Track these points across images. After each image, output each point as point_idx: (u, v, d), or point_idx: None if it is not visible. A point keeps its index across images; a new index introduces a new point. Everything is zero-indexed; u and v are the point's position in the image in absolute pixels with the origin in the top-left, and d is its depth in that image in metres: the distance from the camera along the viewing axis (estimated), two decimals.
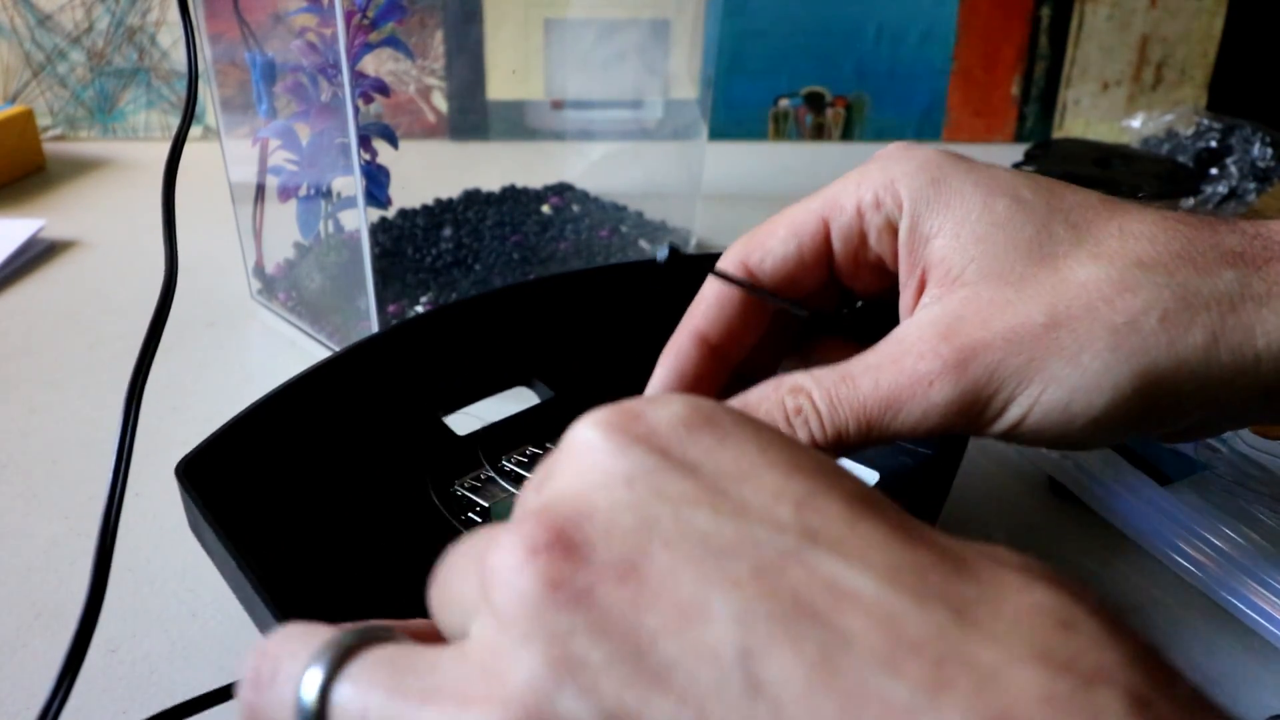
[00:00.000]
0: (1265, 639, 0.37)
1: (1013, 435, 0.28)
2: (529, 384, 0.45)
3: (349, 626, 0.20)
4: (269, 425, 0.37)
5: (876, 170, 0.31)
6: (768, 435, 0.19)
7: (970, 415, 0.27)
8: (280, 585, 0.30)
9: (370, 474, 0.39)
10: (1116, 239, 0.28)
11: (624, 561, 0.17)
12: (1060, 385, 0.26)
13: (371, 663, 0.18)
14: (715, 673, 0.15)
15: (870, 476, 0.39)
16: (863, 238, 0.31)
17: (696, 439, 0.18)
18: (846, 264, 0.32)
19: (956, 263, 0.29)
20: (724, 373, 0.33)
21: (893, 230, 0.30)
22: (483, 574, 0.18)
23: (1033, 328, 0.27)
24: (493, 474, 0.40)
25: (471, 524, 0.39)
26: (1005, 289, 0.28)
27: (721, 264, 0.32)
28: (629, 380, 0.46)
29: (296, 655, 0.19)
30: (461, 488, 0.39)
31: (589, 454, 0.18)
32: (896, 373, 0.28)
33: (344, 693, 0.18)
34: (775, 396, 0.29)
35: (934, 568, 0.17)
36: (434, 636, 0.20)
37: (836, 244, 0.31)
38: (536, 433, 0.43)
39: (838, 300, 0.34)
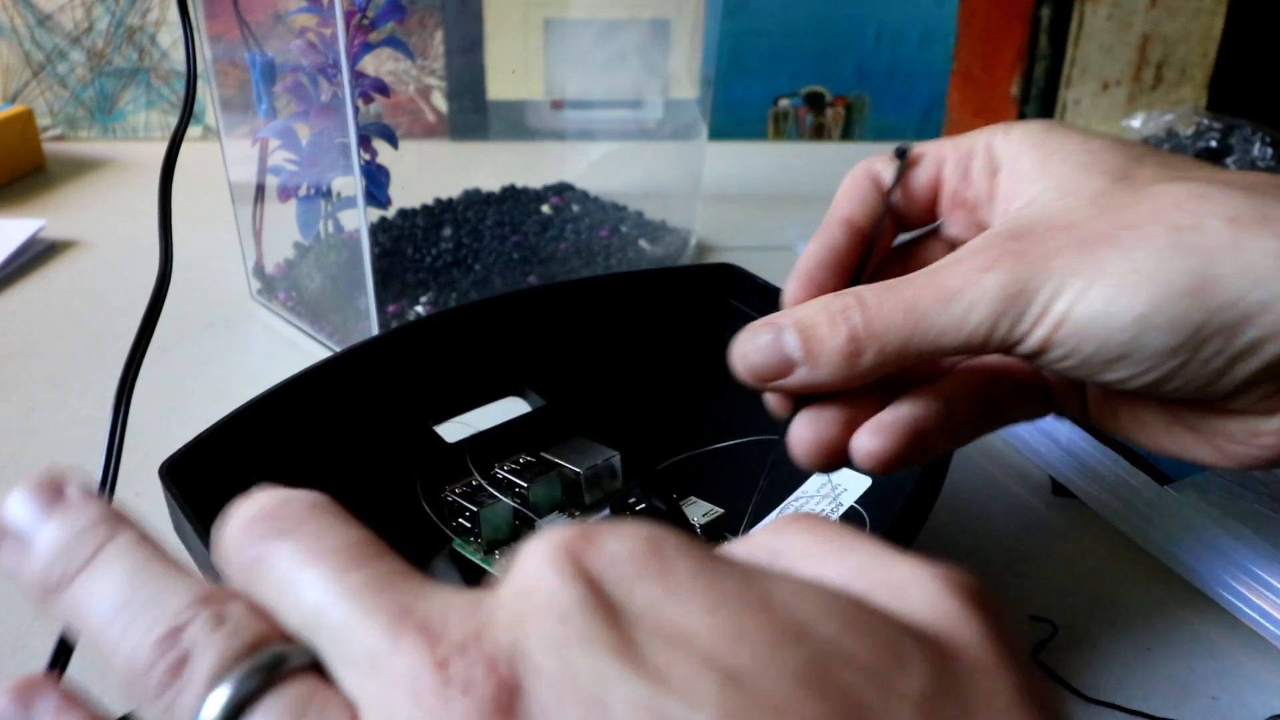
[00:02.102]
0: (1265, 639, 0.37)
1: (1053, 341, 0.26)
2: (521, 394, 0.45)
3: (256, 629, 0.17)
4: (257, 428, 0.36)
5: (1002, 124, 0.32)
6: (724, 590, 0.16)
7: (1017, 310, 0.26)
8: None
9: (359, 479, 0.39)
10: (1208, 171, 0.28)
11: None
12: (1108, 278, 0.25)
13: (279, 711, 0.16)
14: None
15: (862, 483, 0.39)
16: (965, 174, 0.32)
17: (645, 586, 0.16)
18: (948, 201, 0.33)
19: (1039, 186, 0.29)
20: (861, 248, 0.33)
21: (994, 171, 0.31)
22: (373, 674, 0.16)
23: (1097, 227, 0.26)
24: (481, 481, 0.40)
25: (461, 529, 0.39)
26: (1080, 201, 0.28)
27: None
28: (620, 390, 0.46)
29: (208, 655, 0.17)
30: (452, 494, 0.39)
31: (527, 584, 0.17)
32: (954, 267, 0.27)
33: None
34: (822, 300, 0.29)
35: None
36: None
37: (947, 180, 0.32)
38: (526, 440, 0.42)
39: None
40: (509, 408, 0.44)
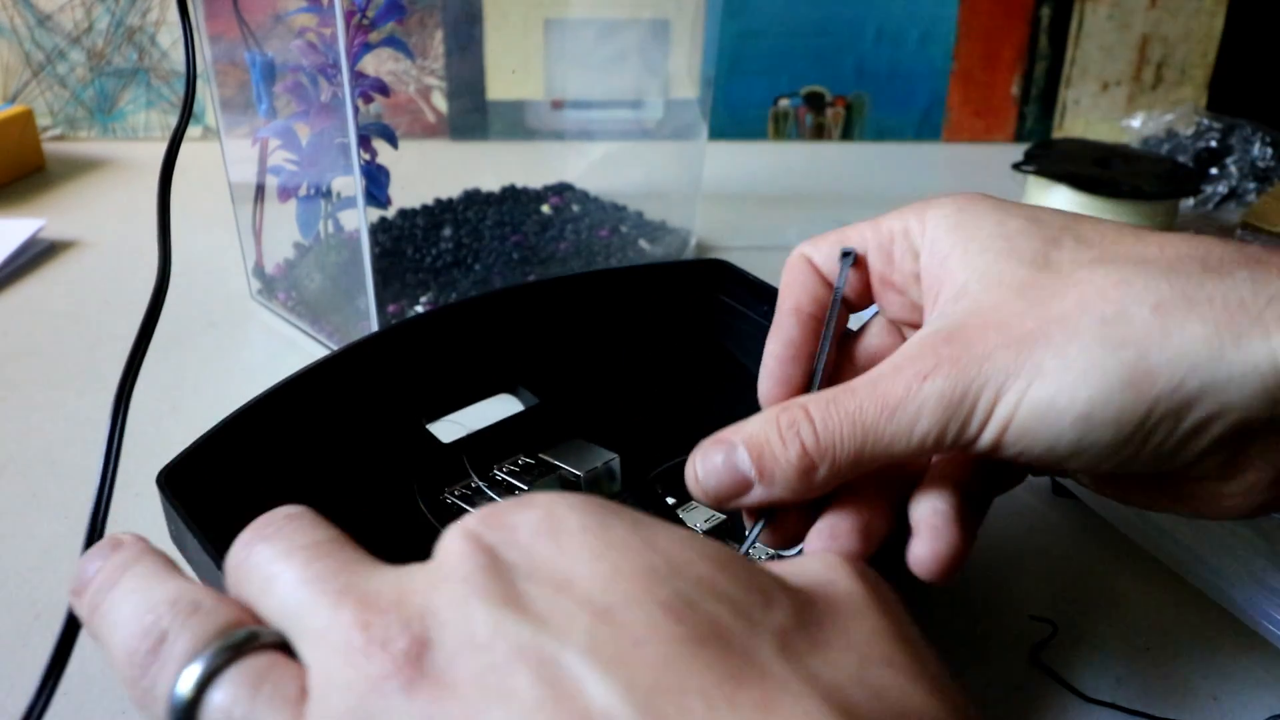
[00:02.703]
0: (1265, 639, 0.37)
1: (1004, 443, 0.27)
2: (513, 390, 0.45)
3: (229, 615, 0.20)
4: (251, 433, 0.36)
5: (916, 205, 0.32)
6: (609, 539, 0.19)
7: (961, 415, 0.27)
8: None
9: (356, 481, 0.38)
10: (1126, 247, 0.28)
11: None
12: (1046, 379, 0.26)
13: (241, 679, 0.19)
14: None
15: None
16: (889, 259, 0.32)
17: (540, 547, 0.19)
18: (877, 285, 0.33)
19: (964, 276, 0.29)
20: (817, 333, 0.33)
21: (915, 255, 0.31)
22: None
23: (1026, 325, 0.27)
24: (481, 484, 0.40)
25: None
26: (1007, 294, 0.28)
27: (815, 250, 0.34)
28: (614, 387, 0.46)
29: (184, 635, 0.19)
30: (452, 496, 0.39)
31: (441, 557, 0.19)
32: (894, 377, 0.27)
33: (217, 700, 0.19)
34: (770, 415, 0.29)
35: (705, 693, 0.16)
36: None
37: (872, 265, 0.33)
38: (521, 440, 0.42)
39: None
40: (501, 406, 0.44)
